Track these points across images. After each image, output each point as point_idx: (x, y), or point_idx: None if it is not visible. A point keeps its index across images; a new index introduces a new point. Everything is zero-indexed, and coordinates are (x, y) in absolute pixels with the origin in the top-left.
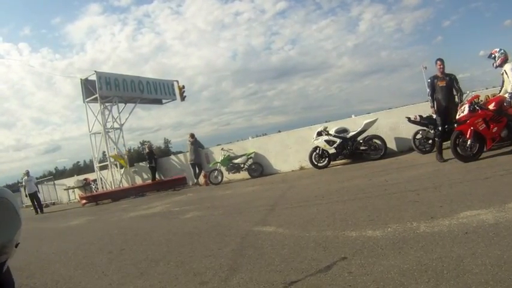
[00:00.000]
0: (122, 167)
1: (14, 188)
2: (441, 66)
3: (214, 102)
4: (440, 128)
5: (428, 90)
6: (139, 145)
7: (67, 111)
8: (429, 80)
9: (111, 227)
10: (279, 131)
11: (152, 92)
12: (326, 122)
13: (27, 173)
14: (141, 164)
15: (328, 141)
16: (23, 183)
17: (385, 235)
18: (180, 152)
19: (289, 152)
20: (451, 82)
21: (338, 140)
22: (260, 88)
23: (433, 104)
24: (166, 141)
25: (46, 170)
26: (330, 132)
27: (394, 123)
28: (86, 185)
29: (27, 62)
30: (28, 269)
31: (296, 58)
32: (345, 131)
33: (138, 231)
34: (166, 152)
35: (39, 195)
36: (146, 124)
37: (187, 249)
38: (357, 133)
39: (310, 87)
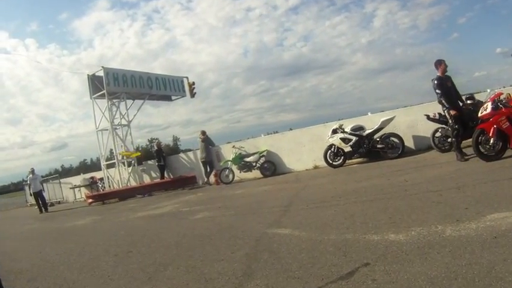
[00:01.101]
0: (129, 165)
1: (19, 186)
2: (446, 66)
3: (225, 100)
4: (457, 127)
5: (438, 91)
6: (148, 143)
7: (74, 108)
8: (437, 82)
9: (118, 228)
10: (291, 129)
11: (161, 88)
12: (339, 120)
13: (32, 171)
14: (149, 162)
15: (343, 139)
16: (28, 182)
17: (409, 239)
18: (190, 150)
19: (303, 150)
20: (453, 82)
21: (354, 138)
22: (272, 85)
23: (450, 104)
24: (175, 139)
25: (52, 168)
26: (346, 129)
27: (412, 121)
28: (92, 184)
29: (34, 58)
30: (30, 271)
31: (309, 55)
32: (361, 128)
33: (146, 232)
34: (175, 149)
35: (44, 193)
36: (155, 121)
37: (197, 252)
38: (373, 131)
39: (323, 85)
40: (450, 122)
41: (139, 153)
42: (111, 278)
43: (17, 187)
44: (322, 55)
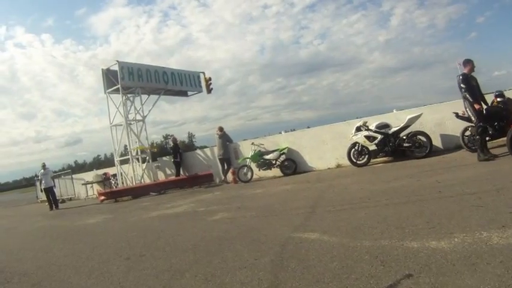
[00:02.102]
0: (144, 161)
1: (31, 181)
2: (474, 66)
3: (241, 97)
4: (481, 124)
5: (463, 86)
6: (163, 139)
7: (89, 104)
8: (462, 77)
9: (130, 228)
10: (308, 127)
11: (177, 83)
12: (357, 118)
13: (44, 166)
14: (164, 158)
15: (368, 137)
16: (40, 177)
17: (453, 247)
18: (205, 147)
19: (325, 148)
20: (477, 83)
21: (379, 136)
22: (288, 83)
23: (474, 100)
24: (191, 136)
25: (66, 163)
26: (370, 127)
27: (440, 119)
28: (105, 180)
29: (49, 53)
30: (35, 274)
31: (325, 53)
32: (387, 126)
33: (160, 234)
34: (190, 146)
35: (55, 190)
36: (170, 118)
37: (217, 258)
38: (399, 129)
39: (340, 83)
40: (473, 118)
41: (155, 149)
42: (122, 285)
43: (29, 182)
44: (339, 53)
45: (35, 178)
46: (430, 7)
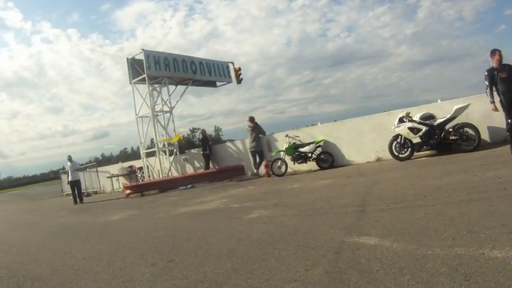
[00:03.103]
0: (171, 154)
1: (58, 174)
2: (500, 56)
3: (269, 90)
4: (510, 121)
5: (486, 83)
6: (189, 132)
7: (116, 98)
8: (487, 73)
9: (157, 227)
10: (335, 121)
11: (206, 73)
12: (384, 112)
13: (70, 159)
14: (192, 151)
15: (412, 129)
16: (66, 169)
17: None
18: (232, 141)
19: (364, 141)
20: (509, 72)
21: (424, 128)
22: (316, 76)
23: (493, 98)
24: (217, 129)
25: (93, 156)
26: (414, 118)
27: (487, 110)
28: (131, 173)
29: (76, 47)
30: (50, 280)
31: (353, 46)
32: (432, 117)
33: (191, 234)
34: (217, 140)
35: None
36: (197, 111)
37: (259, 267)
38: (445, 120)
39: (368, 76)
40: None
41: (180, 135)
42: None
43: (56, 175)
44: (367, 46)
45: (60, 171)
46: None
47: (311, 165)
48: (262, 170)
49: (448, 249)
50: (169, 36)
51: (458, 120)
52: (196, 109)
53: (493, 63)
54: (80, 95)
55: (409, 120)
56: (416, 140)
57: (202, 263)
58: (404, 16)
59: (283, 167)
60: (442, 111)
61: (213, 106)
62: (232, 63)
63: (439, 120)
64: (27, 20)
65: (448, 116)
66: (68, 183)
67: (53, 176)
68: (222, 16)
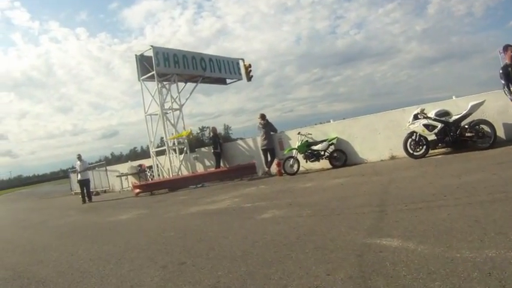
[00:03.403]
0: (181, 152)
1: (67, 173)
2: None
3: (277, 88)
4: None
5: (502, 82)
6: (199, 131)
7: (125, 97)
8: (501, 71)
9: (167, 226)
10: (343, 119)
11: (216, 70)
12: (392, 110)
13: (79, 157)
14: (203, 149)
15: (427, 126)
16: (76, 168)
17: None
18: (241, 139)
19: (378, 138)
20: None
21: (439, 125)
22: (325, 74)
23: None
24: (227, 127)
25: (102, 155)
26: (429, 115)
27: (503, 106)
28: (140, 172)
29: (85, 46)
30: (54, 283)
31: (362, 43)
32: (447, 114)
33: (202, 235)
34: (226, 138)
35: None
36: (206, 110)
37: (276, 271)
38: (461, 117)
39: (377, 74)
40: None
41: (189, 131)
42: None
43: (65, 174)
44: (376, 43)
45: (69, 170)
46: None
47: (323, 163)
48: (274, 168)
49: (477, 252)
50: (178, 34)
51: (474, 117)
52: (206, 108)
53: (506, 59)
54: (88, 94)
55: (424, 117)
56: (431, 137)
57: (215, 266)
58: (414, 12)
59: (296, 166)
60: (457, 107)
61: (222, 105)
62: (243, 59)
63: (454, 117)
64: (34, 19)
65: (464, 112)
66: (78, 182)
67: (63, 174)
68: (231, 13)
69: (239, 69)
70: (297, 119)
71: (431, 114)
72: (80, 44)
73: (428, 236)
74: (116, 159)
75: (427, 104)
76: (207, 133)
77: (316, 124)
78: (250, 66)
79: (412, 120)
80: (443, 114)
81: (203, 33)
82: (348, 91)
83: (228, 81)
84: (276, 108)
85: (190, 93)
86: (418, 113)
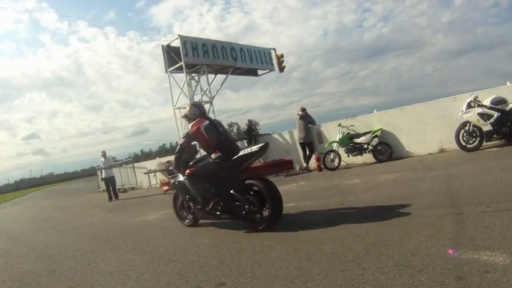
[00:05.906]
0: None
1: (94, 170)
2: None
3: (305, 83)
4: None
5: None
6: (227, 127)
7: (154, 94)
8: None
9: (198, 231)
10: (370, 113)
11: (247, 60)
12: (421, 102)
13: (104, 154)
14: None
15: (482, 115)
16: (100, 165)
17: None
18: (269, 134)
19: (426, 130)
20: None
21: (496, 114)
22: (351, 68)
23: None
24: (254, 123)
25: (132, 153)
26: (484, 103)
27: None
28: (169, 169)
29: (113, 45)
30: None
31: (389, 36)
32: (504, 101)
33: (243, 244)
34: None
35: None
36: (234, 106)
37: None
38: None
39: (403, 67)
40: None
41: None
42: None
43: (95, 171)
44: (403, 36)
45: (96, 167)
46: None
47: (366, 157)
48: (313, 163)
49: None
50: (207, 31)
51: None
52: (234, 104)
53: None
54: (118, 92)
55: (479, 105)
56: (487, 127)
57: None
58: (441, 3)
59: (337, 160)
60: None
61: (250, 101)
62: (274, 49)
63: (511, 105)
64: (63, 20)
65: None
66: (102, 180)
67: (93, 172)
68: (258, 9)
69: (271, 59)
70: (324, 114)
71: (487, 102)
72: (108, 43)
73: None
74: (146, 156)
75: (480, 91)
76: (235, 129)
77: (354, 116)
78: (282, 56)
79: (466, 109)
80: (499, 102)
81: (231, 30)
82: (374, 85)
83: (259, 72)
84: (303, 103)
85: (221, 85)
86: (471, 101)
